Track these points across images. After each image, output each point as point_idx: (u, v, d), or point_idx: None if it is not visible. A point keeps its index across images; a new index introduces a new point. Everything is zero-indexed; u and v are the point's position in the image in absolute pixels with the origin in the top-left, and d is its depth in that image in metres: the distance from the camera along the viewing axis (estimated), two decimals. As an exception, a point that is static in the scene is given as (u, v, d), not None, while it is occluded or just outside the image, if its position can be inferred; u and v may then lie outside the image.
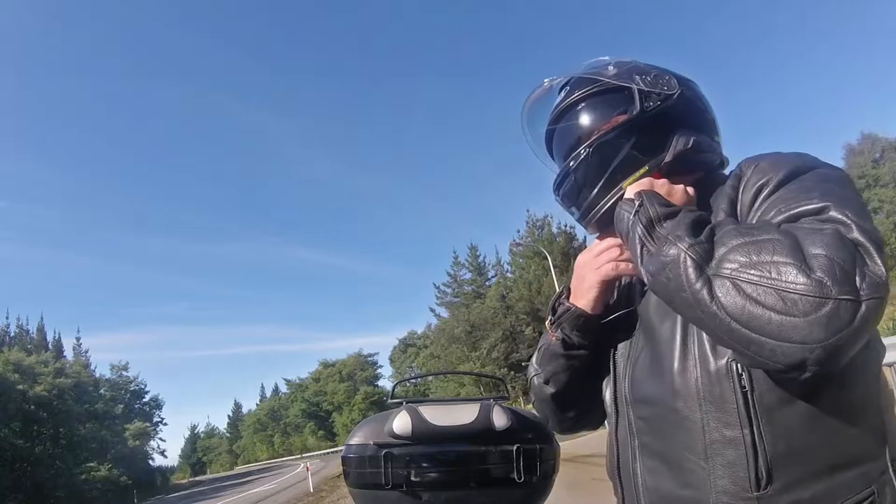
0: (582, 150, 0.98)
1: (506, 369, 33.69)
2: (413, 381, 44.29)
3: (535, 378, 1.12)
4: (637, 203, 0.84)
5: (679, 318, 0.85)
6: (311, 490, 17.68)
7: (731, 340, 0.68)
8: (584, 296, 1.01)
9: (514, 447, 1.35)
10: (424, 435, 1.40)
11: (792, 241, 0.67)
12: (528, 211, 39.85)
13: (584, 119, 1.03)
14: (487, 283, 44.36)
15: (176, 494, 44.79)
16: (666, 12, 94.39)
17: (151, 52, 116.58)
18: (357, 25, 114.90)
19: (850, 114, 71.83)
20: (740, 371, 0.77)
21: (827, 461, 0.75)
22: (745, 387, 0.77)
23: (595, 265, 1.00)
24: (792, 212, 0.76)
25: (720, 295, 0.67)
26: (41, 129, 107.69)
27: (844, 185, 0.80)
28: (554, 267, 29.04)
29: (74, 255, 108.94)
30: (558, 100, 1.07)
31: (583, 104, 1.03)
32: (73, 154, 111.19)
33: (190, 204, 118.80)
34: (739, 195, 0.86)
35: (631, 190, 0.90)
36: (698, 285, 0.69)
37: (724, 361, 0.79)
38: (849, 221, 0.71)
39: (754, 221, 0.81)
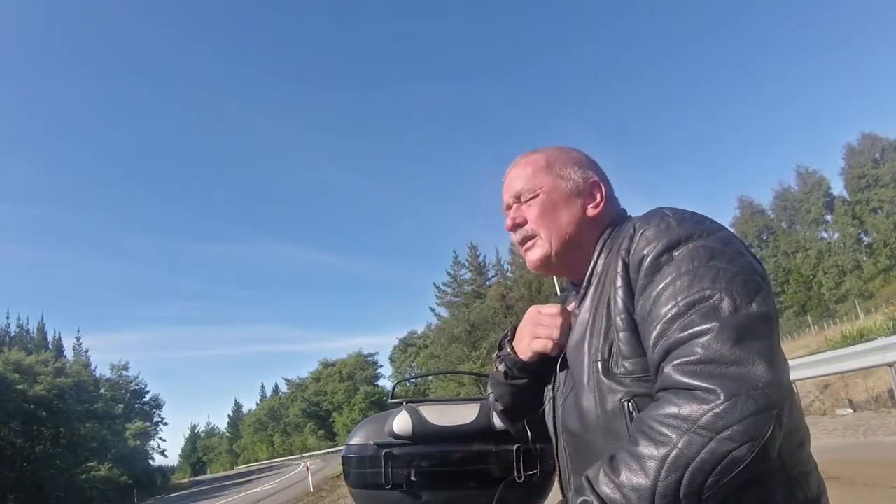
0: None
1: (506, 369, 33.52)
2: (413, 381, 44.27)
3: (490, 395, 1.28)
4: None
5: (586, 362, 0.99)
6: (311, 490, 17.70)
7: None
8: (521, 350, 1.15)
9: (514, 447, 1.35)
10: (424, 435, 1.41)
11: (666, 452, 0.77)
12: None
13: None
14: (488, 283, 44.44)
15: (176, 494, 44.83)
16: (668, 16, 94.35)
17: (151, 54, 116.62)
18: (355, 29, 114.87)
19: (850, 114, 71.83)
20: (631, 409, 0.91)
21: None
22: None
23: (535, 333, 1.11)
24: (666, 342, 0.85)
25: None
26: (41, 131, 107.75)
27: (720, 260, 0.88)
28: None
29: (74, 255, 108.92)
30: None
31: None
32: (73, 155, 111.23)
33: (190, 204, 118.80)
34: (630, 259, 0.95)
35: None
36: None
37: (617, 400, 0.93)
38: (715, 347, 0.80)
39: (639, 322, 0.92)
